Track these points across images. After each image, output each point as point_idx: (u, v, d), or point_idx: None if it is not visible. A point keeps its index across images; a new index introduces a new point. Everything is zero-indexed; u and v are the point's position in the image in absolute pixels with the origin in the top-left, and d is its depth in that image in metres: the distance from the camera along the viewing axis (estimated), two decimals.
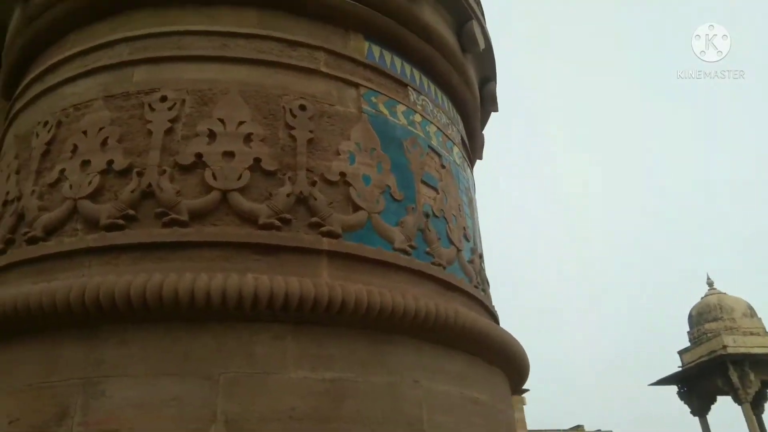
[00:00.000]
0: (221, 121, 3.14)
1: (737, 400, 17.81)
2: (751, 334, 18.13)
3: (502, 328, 3.63)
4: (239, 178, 3.00)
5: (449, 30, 4.37)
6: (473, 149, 5.10)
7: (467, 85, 4.55)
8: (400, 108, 3.77)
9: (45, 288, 2.46)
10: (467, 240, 3.92)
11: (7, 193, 3.10)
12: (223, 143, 3.07)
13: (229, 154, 3.05)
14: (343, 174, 3.24)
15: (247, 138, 3.12)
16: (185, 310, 2.53)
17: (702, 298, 20.64)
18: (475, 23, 4.51)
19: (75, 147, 3.05)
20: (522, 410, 34.99)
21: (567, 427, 38.73)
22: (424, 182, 3.66)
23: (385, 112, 3.65)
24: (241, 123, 3.15)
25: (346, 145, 3.35)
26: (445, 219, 3.70)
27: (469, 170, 4.50)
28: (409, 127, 3.75)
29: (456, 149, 4.23)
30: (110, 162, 2.96)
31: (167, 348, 2.53)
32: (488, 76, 5.06)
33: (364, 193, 3.26)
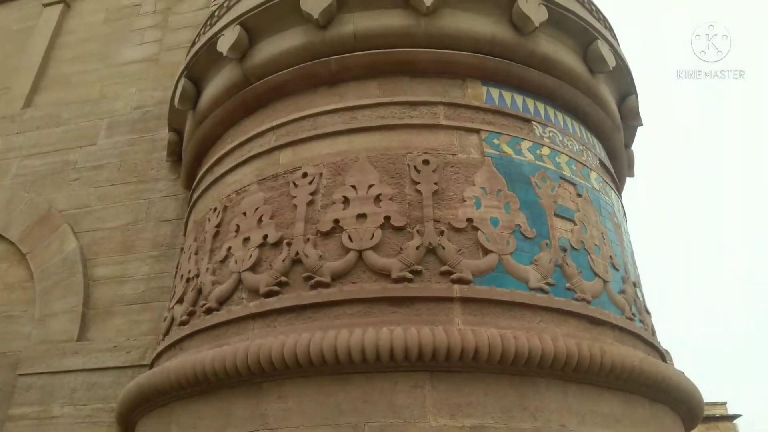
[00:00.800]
0: (353, 187, 3.46)
1: None
2: None
3: (661, 362, 3.37)
4: (372, 237, 3.26)
5: (572, 54, 4.28)
6: (619, 169, 4.84)
7: (601, 106, 4.39)
8: (525, 144, 3.78)
9: (217, 353, 2.93)
10: (615, 269, 3.73)
11: (189, 271, 3.73)
12: (356, 207, 3.38)
13: (362, 216, 3.34)
14: (470, 220, 3.35)
15: (377, 199, 3.38)
16: (331, 365, 2.81)
17: None
18: (601, 42, 4.36)
19: (237, 227, 3.59)
20: None
21: None
22: (558, 215, 3.60)
23: (509, 151, 3.70)
24: (370, 186, 3.44)
25: (471, 191, 3.45)
26: (586, 250, 3.59)
27: (613, 193, 4.29)
28: (537, 162, 3.74)
29: (594, 174, 4.08)
30: (265, 236, 3.42)
31: (320, 401, 2.82)
32: (627, 92, 4.80)
33: (493, 236, 3.32)
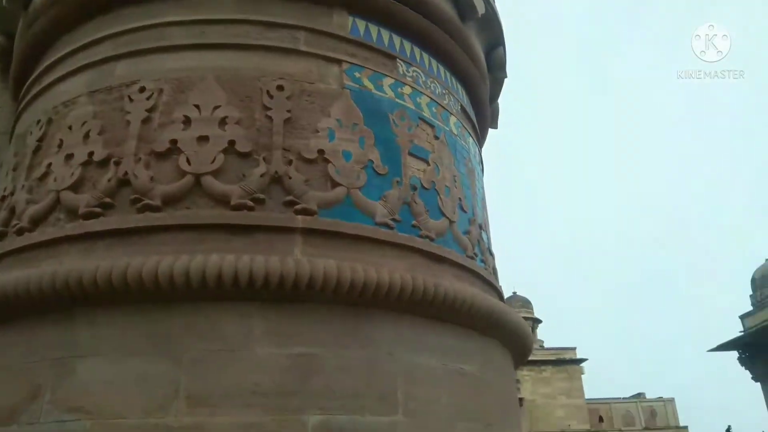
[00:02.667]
0: (197, 107, 3.20)
1: None
2: None
3: (494, 299, 3.52)
4: (213, 161, 3.05)
5: None
6: (482, 119, 4.94)
7: (467, 53, 4.39)
8: (387, 81, 3.70)
9: (22, 275, 2.63)
10: (463, 211, 3.82)
11: (5, 189, 3.31)
12: (198, 128, 3.13)
13: (204, 139, 3.11)
14: (321, 151, 3.23)
15: (222, 122, 3.16)
16: (152, 292, 2.62)
17: (766, 259, 19.20)
18: None
19: (61, 142, 3.21)
20: (580, 379, 34.22)
21: (628, 395, 37.48)
22: (412, 155, 3.59)
23: (370, 86, 3.60)
24: (216, 107, 3.20)
25: (326, 122, 3.33)
26: (436, 191, 3.62)
27: (471, 140, 4.36)
28: (397, 100, 3.68)
29: (453, 119, 4.11)
30: (91, 153, 3.09)
31: (140, 329, 2.64)
32: (495, 43, 4.86)
33: (344, 169, 3.23)
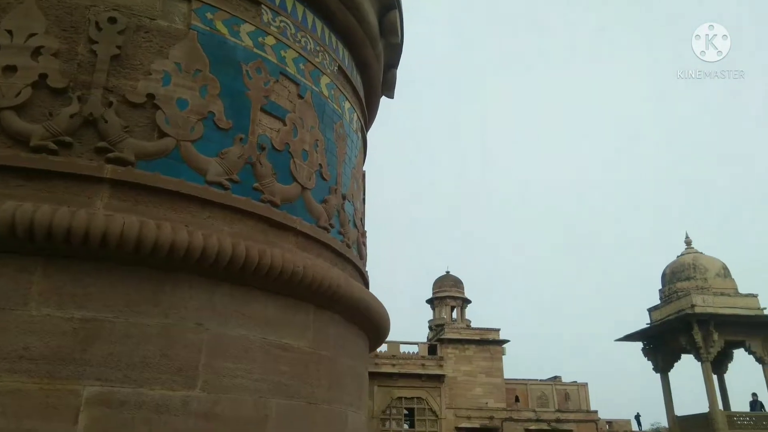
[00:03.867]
0: (9, 32, 2.80)
1: (698, 358, 17.56)
2: (722, 294, 17.64)
3: (341, 275, 3.33)
4: (18, 95, 2.68)
5: None
6: (370, 84, 4.69)
7: (351, 11, 4.11)
8: (246, 28, 3.38)
9: None
10: (323, 178, 3.59)
11: None
12: (6, 56, 2.75)
13: (11, 69, 2.73)
14: (151, 96, 2.91)
15: (36, 52, 2.78)
16: None
17: (678, 256, 20.07)
18: None
19: None
20: (501, 360, 35.34)
21: (545, 377, 39.07)
22: (266, 111, 3.32)
23: (223, 30, 3.28)
24: (32, 35, 2.81)
25: (162, 64, 3.00)
26: (290, 153, 3.37)
27: (348, 104, 4.11)
28: (256, 50, 3.38)
29: (326, 79, 3.84)
30: None
31: None
32: (389, 5, 4.58)
33: (176, 119, 2.93)
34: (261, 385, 2.79)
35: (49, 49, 2.80)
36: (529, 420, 34.59)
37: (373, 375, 32.94)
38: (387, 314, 3.95)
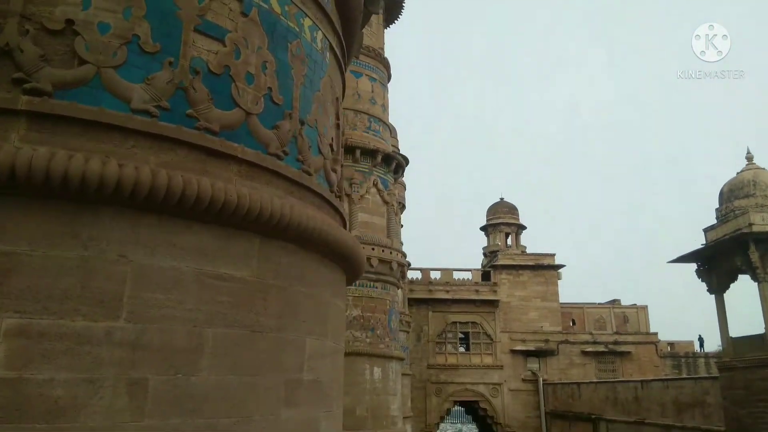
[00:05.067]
0: None
1: (755, 278, 16.63)
2: None
3: (295, 201, 3.22)
4: None
5: None
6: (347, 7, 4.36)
7: None
8: None
9: None
10: (274, 103, 3.42)
11: None
12: None
13: None
14: (70, 21, 2.78)
15: None
16: None
17: (737, 173, 18.68)
18: None
19: None
20: (556, 284, 35.03)
21: (604, 301, 38.49)
22: (200, 32, 3.13)
23: None
24: None
25: None
26: (231, 77, 3.20)
27: (308, 21, 3.84)
28: None
29: None
30: None
31: None
32: None
33: (96, 44, 2.80)
34: (195, 315, 2.77)
35: None
36: (586, 342, 34.58)
37: (427, 301, 33.61)
38: (352, 242, 3.84)
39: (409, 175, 27.40)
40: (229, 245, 2.99)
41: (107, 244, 2.61)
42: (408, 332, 30.47)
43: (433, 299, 33.89)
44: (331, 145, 4.04)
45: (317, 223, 3.36)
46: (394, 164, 17.56)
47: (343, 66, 4.53)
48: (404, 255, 18.34)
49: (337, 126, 4.28)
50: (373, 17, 19.23)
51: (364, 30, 17.38)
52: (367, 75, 17.96)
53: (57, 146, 2.57)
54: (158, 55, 2.95)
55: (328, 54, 4.10)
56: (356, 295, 16.45)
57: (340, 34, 4.40)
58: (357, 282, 16.70)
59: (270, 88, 3.40)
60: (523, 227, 39.34)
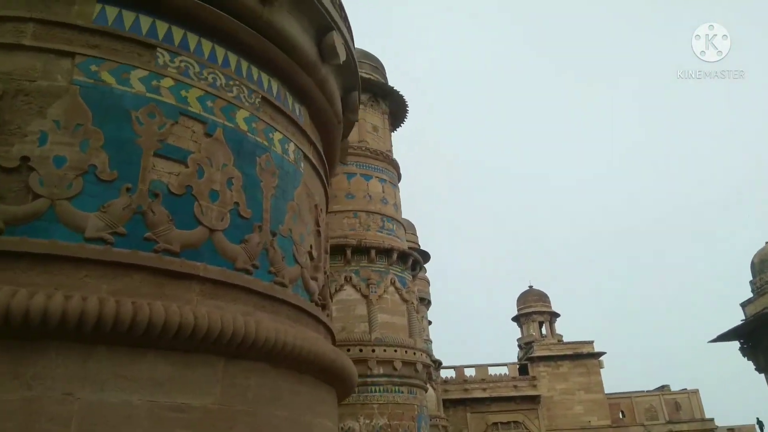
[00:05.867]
0: None
1: None
2: None
3: (264, 316, 3.08)
4: None
5: None
6: (319, 112, 4.44)
7: (275, 40, 3.91)
8: (138, 74, 3.27)
9: None
10: (242, 217, 3.37)
11: None
12: None
13: None
14: (25, 158, 2.83)
15: None
16: None
17: (767, 242, 17.94)
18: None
19: None
20: (599, 373, 33.16)
21: (652, 388, 36.16)
22: (161, 156, 3.16)
23: (110, 80, 3.17)
24: None
25: (39, 125, 2.93)
26: (194, 196, 3.19)
27: (278, 135, 3.88)
28: (148, 94, 3.25)
29: (243, 113, 3.65)
30: None
31: None
32: (326, 26, 4.33)
33: (50, 178, 2.83)
34: None
35: None
36: None
37: (464, 401, 32.05)
38: (334, 354, 3.62)
39: (432, 270, 27.09)
40: (188, 371, 2.82)
41: (52, 382, 2.47)
42: None
43: (469, 399, 32.36)
44: (309, 253, 3.95)
45: (289, 338, 3.18)
46: (411, 261, 17.41)
47: (322, 173, 4.54)
48: (429, 354, 17.70)
49: (318, 233, 4.21)
50: (379, 122, 19.94)
51: (372, 134, 17.80)
52: (376, 177, 18.29)
53: (3, 283, 2.51)
54: (116, 182, 2.96)
55: (302, 164, 4.11)
56: (381, 402, 15.71)
57: (316, 143, 4.45)
58: (381, 388, 16.06)
59: (237, 203, 3.37)
60: (557, 315, 38.11)
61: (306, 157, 4.19)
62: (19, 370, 2.44)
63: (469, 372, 34.65)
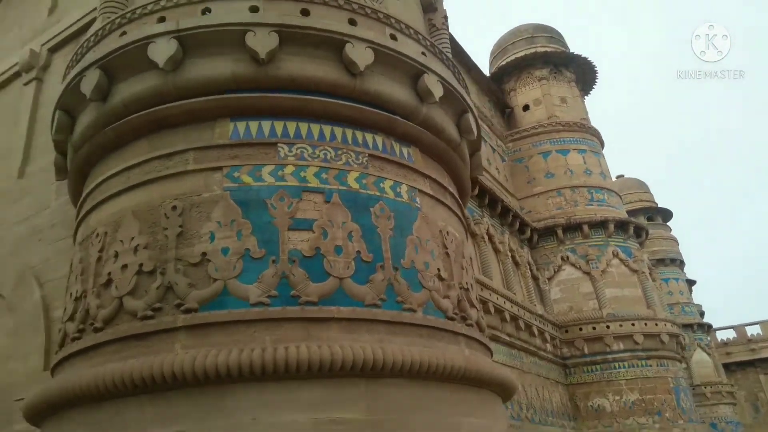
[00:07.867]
0: (122, 241, 4.23)
1: None
2: None
3: (393, 341, 3.85)
4: (129, 283, 4.03)
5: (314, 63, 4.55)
6: (417, 141, 5.01)
7: (368, 100, 4.61)
8: (267, 169, 4.24)
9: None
10: (365, 261, 4.11)
11: (76, 290, 4.43)
12: (122, 259, 4.15)
13: (125, 267, 4.11)
14: (204, 254, 3.97)
15: (136, 249, 4.13)
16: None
17: None
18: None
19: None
20: None
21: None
22: (293, 229, 4.07)
23: (248, 180, 4.19)
24: (132, 238, 4.19)
25: (208, 227, 4.05)
26: (323, 255, 4.03)
27: (389, 182, 4.53)
28: (277, 183, 4.19)
29: (354, 174, 4.39)
30: (76, 291, 4.38)
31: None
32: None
33: (221, 264, 3.91)
34: None
35: (142, 244, 4.11)
36: None
37: (752, 362, 28.70)
38: (463, 361, 4.11)
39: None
40: (337, 392, 3.64)
41: (245, 411, 3.49)
42: (734, 404, 26.16)
43: (759, 359, 28.83)
44: (438, 275, 4.52)
45: (415, 356, 3.83)
46: (632, 228, 16.42)
47: (442, 199, 5.06)
48: (674, 323, 16.42)
49: (446, 255, 4.75)
50: (567, 92, 19.17)
51: (560, 107, 17.20)
52: (574, 149, 17.71)
53: (206, 347, 3.62)
54: (264, 257, 3.94)
55: (418, 199, 4.71)
56: (628, 378, 15.23)
57: (431, 175, 5.00)
58: (624, 363, 15.48)
59: (359, 251, 4.13)
60: None
61: (421, 192, 4.77)
62: (222, 406, 3.52)
63: (753, 330, 30.88)
